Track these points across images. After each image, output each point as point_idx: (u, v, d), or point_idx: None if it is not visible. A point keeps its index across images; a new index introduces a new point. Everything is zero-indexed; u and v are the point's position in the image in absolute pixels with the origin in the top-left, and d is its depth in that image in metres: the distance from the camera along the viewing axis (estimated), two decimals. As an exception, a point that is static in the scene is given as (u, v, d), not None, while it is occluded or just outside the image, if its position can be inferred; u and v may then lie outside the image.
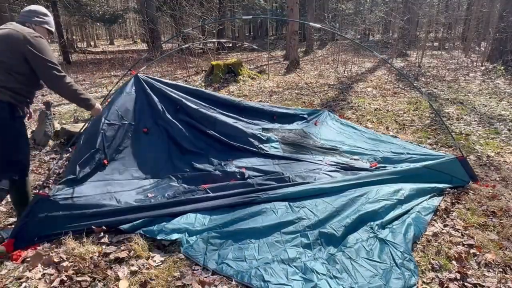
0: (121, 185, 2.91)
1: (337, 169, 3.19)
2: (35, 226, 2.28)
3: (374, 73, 10.03)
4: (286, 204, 2.56)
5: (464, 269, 2.00)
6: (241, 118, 4.18)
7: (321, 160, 3.43)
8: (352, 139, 4.14)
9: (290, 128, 4.40)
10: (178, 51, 11.40)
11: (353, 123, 4.83)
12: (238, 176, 3.06)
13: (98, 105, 2.52)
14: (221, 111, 4.04)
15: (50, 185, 3.09)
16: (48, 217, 2.33)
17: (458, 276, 1.95)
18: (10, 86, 2.12)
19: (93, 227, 2.34)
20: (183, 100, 3.78)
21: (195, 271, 2.02)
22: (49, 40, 2.44)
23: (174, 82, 4.00)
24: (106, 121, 3.25)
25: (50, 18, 2.39)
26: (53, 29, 2.42)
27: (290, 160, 3.43)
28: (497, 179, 3.20)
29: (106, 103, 3.40)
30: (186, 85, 4.22)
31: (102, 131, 3.16)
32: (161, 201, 2.64)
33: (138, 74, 3.61)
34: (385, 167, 3.20)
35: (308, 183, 2.87)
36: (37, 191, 2.53)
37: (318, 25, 4.13)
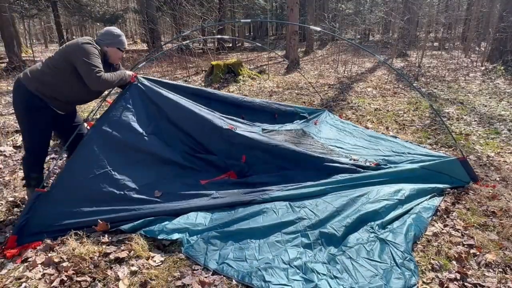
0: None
1: (337, 170, 3.19)
2: (37, 223, 2.29)
3: (374, 73, 10.03)
4: (286, 204, 2.56)
5: (464, 269, 2.00)
6: (240, 119, 4.15)
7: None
8: (352, 138, 4.14)
9: (290, 128, 4.39)
10: (178, 51, 11.39)
11: (352, 123, 4.83)
12: (238, 163, 3.15)
13: (128, 73, 2.94)
14: (220, 115, 3.95)
15: (49, 185, 3.08)
16: (49, 213, 2.34)
17: (458, 276, 1.95)
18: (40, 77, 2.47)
19: (99, 221, 2.34)
20: (180, 102, 3.60)
21: (195, 271, 2.02)
22: (121, 57, 2.83)
23: (173, 82, 3.93)
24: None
25: (116, 38, 2.69)
26: (121, 46, 2.74)
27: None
28: (497, 179, 3.20)
29: (107, 103, 3.36)
30: (185, 85, 4.17)
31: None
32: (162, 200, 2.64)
33: (138, 76, 3.54)
34: (386, 166, 3.20)
35: (308, 183, 2.86)
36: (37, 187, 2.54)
37: (318, 28, 4.14)
